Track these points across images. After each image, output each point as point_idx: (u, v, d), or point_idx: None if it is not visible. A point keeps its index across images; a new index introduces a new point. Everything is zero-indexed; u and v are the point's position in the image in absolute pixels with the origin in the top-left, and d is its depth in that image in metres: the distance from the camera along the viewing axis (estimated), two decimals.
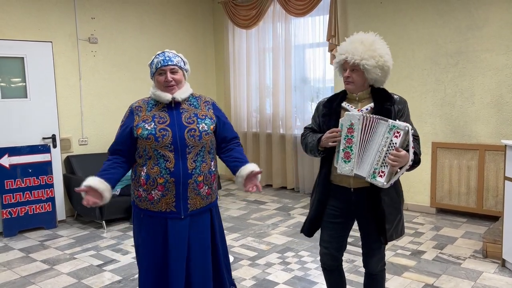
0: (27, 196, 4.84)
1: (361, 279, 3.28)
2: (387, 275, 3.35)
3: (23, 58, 4.90)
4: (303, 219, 5.07)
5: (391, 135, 2.11)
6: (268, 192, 6.47)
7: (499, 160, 4.67)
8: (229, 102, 7.06)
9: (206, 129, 2.33)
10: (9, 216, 4.72)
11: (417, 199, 5.31)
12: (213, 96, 7.25)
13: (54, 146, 5.11)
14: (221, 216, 2.62)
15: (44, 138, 5.06)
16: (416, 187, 5.29)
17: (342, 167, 2.25)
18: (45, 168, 4.95)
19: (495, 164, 4.72)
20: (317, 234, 2.53)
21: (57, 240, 4.58)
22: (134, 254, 4.00)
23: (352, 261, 3.81)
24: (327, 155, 2.36)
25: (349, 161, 2.23)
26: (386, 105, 2.27)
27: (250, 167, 2.37)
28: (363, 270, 2.61)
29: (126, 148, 2.34)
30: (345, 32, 5.58)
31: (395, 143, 2.10)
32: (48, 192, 4.97)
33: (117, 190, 4.99)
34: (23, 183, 4.81)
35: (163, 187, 2.27)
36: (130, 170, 2.43)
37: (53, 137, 5.12)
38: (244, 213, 5.39)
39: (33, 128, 4.98)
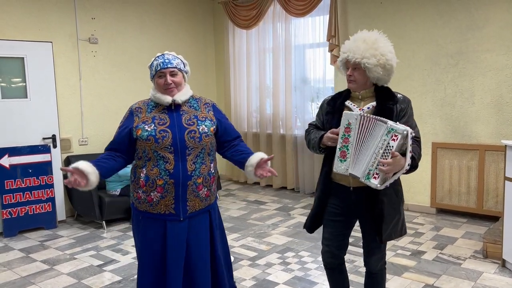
0: (27, 196, 4.84)
1: (361, 279, 3.28)
2: (387, 275, 3.35)
3: (23, 58, 4.90)
4: (303, 219, 5.07)
5: (389, 138, 2.08)
6: (268, 192, 6.47)
7: (499, 161, 4.67)
8: (229, 102, 7.06)
9: (206, 130, 2.33)
10: (9, 216, 4.72)
11: (417, 199, 5.31)
12: (213, 96, 7.26)
13: (54, 146, 5.11)
14: (221, 217, 2.61)
15: (44, 138, 5.06)
16: (416, 187, 5.28)
17: (337, 166, 2.25)
18: (45, 168, 4.95)
19: (495, 164, 4.72)
20: (318, 234, 2.52)
21: (57, 240, 4.58)
22: (134, 255, 4.01)
23: (352, 261, 3.80)
24: (329, 153, 2.37)
25: (344, 160, 2.23)
26: (389, 104, 2.26)
27: (259, 155, 2.38)
28: (363, 270, 2.61)
29: (123, 148, 2.34)
30: (345, 32, 5.58)
31: (392, 146, 2.07)
32: (48, 192, 4.97)
33: (117, 190, 4.99)
34: (23, 183, 4.81)
35: (162, 188, 2.26)
36: (130, 172, 2.42)
37: (53, 137, 5.12)
38: (244, 213, 5.39)
39: (33, 128, 4.98)
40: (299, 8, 5.86)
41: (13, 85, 4.90)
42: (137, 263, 2.60)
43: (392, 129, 2.07)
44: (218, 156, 2.55)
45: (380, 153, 2.10)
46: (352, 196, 2.36)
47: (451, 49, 4.93)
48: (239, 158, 2.44)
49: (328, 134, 2.30)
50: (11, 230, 4.73)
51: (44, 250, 4.31)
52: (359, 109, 2.31)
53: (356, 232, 2.56)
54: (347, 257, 3.85)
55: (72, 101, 5.46)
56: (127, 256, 4.09)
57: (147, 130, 2.25)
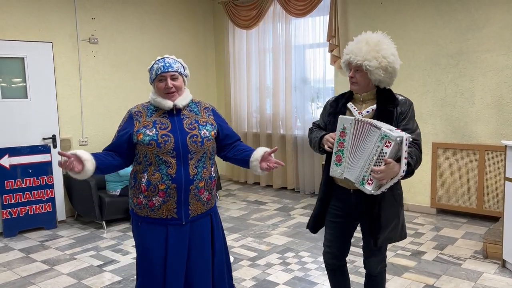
0: (27, 196, 4.84)
1: (361, 280, 3.28)
2: (387, 276, 3.35)
3: (23, 58, 4.90)
4: (303, 219, 5.07)
5: (382, 144, 2.04)
6: (269, 192, 6.47)
7: (499, 161, 4.67)
8: (230, 102, 7.06)
9: (208, 135, 2.32)
10: (9, 217, 4.72)
11: (418, 200, 5.31)
12: (214, 96, 7.26)
13: (54, 147, 5.11)
14: (221, 217, 2.61)
15: (44, 139, 5.06)
16: (416, 188, 5.28)
17: (333, 170, 2.26)
18: (45, 168, 4.95)
19: (495, 164, 4.72)
20: (318, 235, 2.52)
21: (57, 241, 4.58)
22: (134, 255, 4.00)
23: (352, 262, 3.80)
24: (330, 154, 2.37)
25: (340, 165, 2.23)
26: (389, 107, 2.25)
27: (262, 149, 2.40)
28: (363, 270, 2.60)
29: (122, 151, 2.31)
30: (346, 32, 5.58)
31: (385, 153, 2.03)
32: (48, 192, 4.97)
33: (117, 190, 4.99)
34: (23, 183, 4.81)
35: (165, 193, 2.24)
36: (130, 177, 2.40)
37: (53, 138, 5.12)
38: (244, 214, 5.39)
39: (33, 128, 4.98)
40: (299, 8, 5.86)
41: (13, 85, 4.90)
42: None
43: (386, 136, 2.03)
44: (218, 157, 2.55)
45: (374, 159, 2.08)
46: (352, 198, 2.35)
47: (451, 49, 4.93)
48: (242, 156, 2.44)
49: (327, 136, 2.31)
50: (11, 230, 4.73)
51: (44, 250, 4.31)
52: (359, 113, 2.30)
53: (357, 232, 2.55)
54: (347, 257, 3.85)
55: (72, 101, 5.47)
56: (127, 256, 4.09)
57: (148, 135, 2.23)
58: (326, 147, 2.31)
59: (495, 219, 4.64)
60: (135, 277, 3.58)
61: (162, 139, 2.22)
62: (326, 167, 2.42)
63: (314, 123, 2.58)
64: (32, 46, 4.94)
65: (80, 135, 5.54)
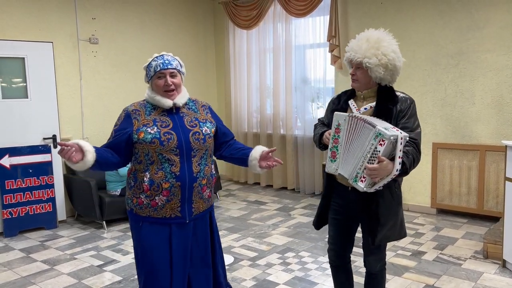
0: (28, 196, 4.84)
1: (361, 279, 3.28)
2: (388, 276, 3.35)
3: (23, 58, 4.90)
4: (303, 219, 5.08)
5: (376, 143, 2.03)
6: (269, 192, 6.47)
7: (499, 161, 4.67)
8: (230, 102, 7.05)
9: (209, 132, 2.33)
10: (10, 217, 4.72)
11: (418, 200, 5.31)
12: (214, 96, 7.26)
13: (55, 146, 5.11)
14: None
15: (44, 138, 5.06)
16: (416, 188, 5.28)
17: (328, 166, 2.27)
18: (46, 168, 4.95)
19: (495, 164, 4.72)
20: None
21: (58, 241, 4.59)
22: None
23: (353, 261, 3.80)
24: None
25: (334, 161, 2.24)
26: (388, 104, 2.25)
27: (260, 147, 2.41)
28: (363, 270, 2.61)
29: (120, 151, 2.28)
30: (346, 32, 5.58)
31: (379, 151, 2.03)
32: (49, 192, 4.97)
33: (117, 190, 4.99)
34: (24, 183, 4.81)
35: (169, 192, 2.23)
36: (129, 177, 2.36)
37: (54, 137, 5.12)
38: (244, 214, 5.39)
39: (34, 128, 4.98)
40: (300, 8, 5.86)
41: (13, 85, 4.90)
42: None
43: (380, 134, 2.02)
44: None
45: (367, 156, 2.07)
46: (350, 196, 2.37)
47: (451, 49, 4.93)
48: (239, 155, 2.44)
49: (326, 133, 2.34)
50: (11, 230, 4.73)
51: (44, 250, 4.31)
52: (357, 110, 2.31)
53: (358, 232, 2.56)
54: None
55: (73, 101, 5.47)
56: (127, 256, 4.09)
57: (150, 133, 2.20)
58: (324, 143, 2.36)
59: (495, 219, 4.64)
60: (136, 276, 3.59)
61: (165, 137, 2.20)
62: None
63: (319, 119, 2.61)
64: (33, 46, 4.94)
65: (80, 135, 5.54)
